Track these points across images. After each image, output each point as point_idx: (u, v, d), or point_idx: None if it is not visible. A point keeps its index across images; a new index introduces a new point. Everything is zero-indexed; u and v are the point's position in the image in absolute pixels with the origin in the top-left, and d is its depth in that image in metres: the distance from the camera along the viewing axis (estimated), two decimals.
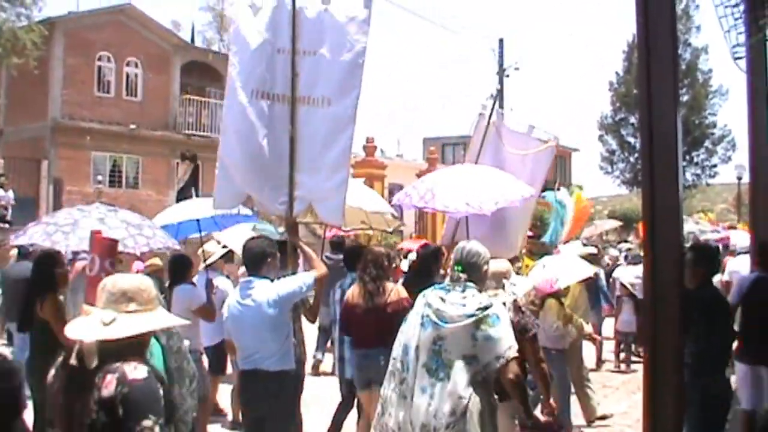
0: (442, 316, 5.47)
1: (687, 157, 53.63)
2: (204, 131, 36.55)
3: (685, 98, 52.34)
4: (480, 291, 5.66)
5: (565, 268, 10.17)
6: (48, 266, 7.93)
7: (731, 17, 8.09)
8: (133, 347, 3.64)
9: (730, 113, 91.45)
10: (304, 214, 8.07)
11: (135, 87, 34.91)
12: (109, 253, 7.48)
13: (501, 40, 41.45)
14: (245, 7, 7.90)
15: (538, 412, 6.49)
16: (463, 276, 5.66)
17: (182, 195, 34.28)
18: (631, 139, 55.72)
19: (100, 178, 31.99)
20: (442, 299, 5.57)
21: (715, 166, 57.07)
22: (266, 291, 6.66)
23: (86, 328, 3.59)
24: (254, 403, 6.90)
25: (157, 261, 11.72)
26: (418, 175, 29.40)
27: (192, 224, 11.27)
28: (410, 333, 5.65)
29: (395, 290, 7.79)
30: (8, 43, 28.04)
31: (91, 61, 33.25)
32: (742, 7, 8.17)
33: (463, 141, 53.41)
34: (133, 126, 33.60)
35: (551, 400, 6.67)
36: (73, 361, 3.52)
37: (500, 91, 12.03)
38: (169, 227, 10.68)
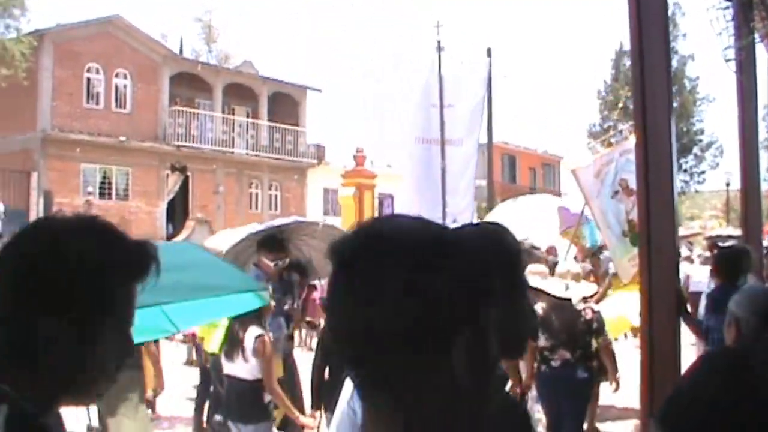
0: None
1: (676, 164, 53.76)
2: (193, 142, 36.60)
3: (673, 105, 52.49)
4: None
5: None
6: None
7: (723, 19, 8.16)
8: None
9: (718, 120, 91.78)
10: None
11: (124, 98, 34.93)
12: None
13: (489, 50, 41.38)
14: (406, 74, 10.83)
15: None
16: None
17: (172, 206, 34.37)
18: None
19: (90, 189, 31.98)
20: None
21: (703, 172, 57.14)
22: None
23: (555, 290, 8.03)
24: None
25: None
26: None
27: None
28: None
29: None
30: None
31: (80, 72, 33.27)
32: (731, 10, 8.25)
33: None
34: (122, 137, 33.58)
35: None
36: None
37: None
38: None
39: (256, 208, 38.76)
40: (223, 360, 6.97)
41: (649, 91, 5.86)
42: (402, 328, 1.18)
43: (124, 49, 34.73)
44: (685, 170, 56.10)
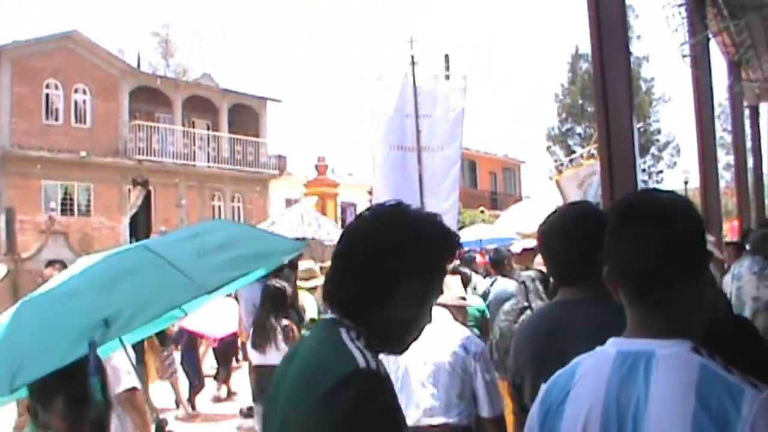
0: None
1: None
2: (155, 156, 36.50)
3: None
4: None
5: None
6: None
7: (678, 16, 8.43)
8: None
9: (674, 119, 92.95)
10: None
11: (84, 114, 34.75)
12: None
13: (447, 56, 41.84)
14: (381, 86, 11.48)
15: None
16: None
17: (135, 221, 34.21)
18: (578, 149, 56.30)
19: (52, 206, 31.67)
20: None
21: (661, 171, 57.87)
22: None
23: None
24: None
25: None
26: (370, 193, 29.61)
27: None
28: None
29: None
30: None
31: (39, 88, 33.06)
32: (684, 7, 8.51)
33: None
34: (83, 153, 33.40)
35: None
36: None
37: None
38: None
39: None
40: (253, 353, 7.77)
41: (611, 95, 6.02)
42: (683, 258, 1.99)
43: (83, 64, 34.56)
44: (644, 170, 56.66)
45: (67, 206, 33.66)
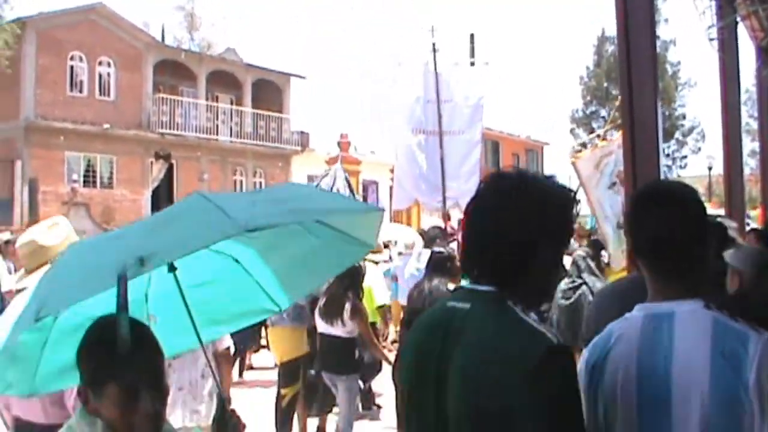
0: None
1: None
2: (178, 130, 36.57)
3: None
4: None
5: None
6: None
7: None
8: None
9: (699, 104, 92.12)
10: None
11: (108, 86, 34.83)
12: None
13: (472, 35, 41.52)
14: (403, 74, 12.22)
15: None
16: None
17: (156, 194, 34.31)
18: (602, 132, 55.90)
19: (74, 177, 31.82)
20: None
21: (685, 157, 57.41)
22: None
23: None
24: None
25: None
26: (392, 171, 29.56)
27: None
28: None
29: None
30: None
31: (63, 60, 33.12)
32: None
33: None
34: (106, 125, 33.51)
35: None
36: None
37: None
38: None
39: None
40: (320, 320, 8.18)
41: (636, 78, 5.95)
42: (693, 234, 2.41)
43: (108, 36, 34.60)
44: (668, 155, 56.22)
45: (89, 178, 33.80)
